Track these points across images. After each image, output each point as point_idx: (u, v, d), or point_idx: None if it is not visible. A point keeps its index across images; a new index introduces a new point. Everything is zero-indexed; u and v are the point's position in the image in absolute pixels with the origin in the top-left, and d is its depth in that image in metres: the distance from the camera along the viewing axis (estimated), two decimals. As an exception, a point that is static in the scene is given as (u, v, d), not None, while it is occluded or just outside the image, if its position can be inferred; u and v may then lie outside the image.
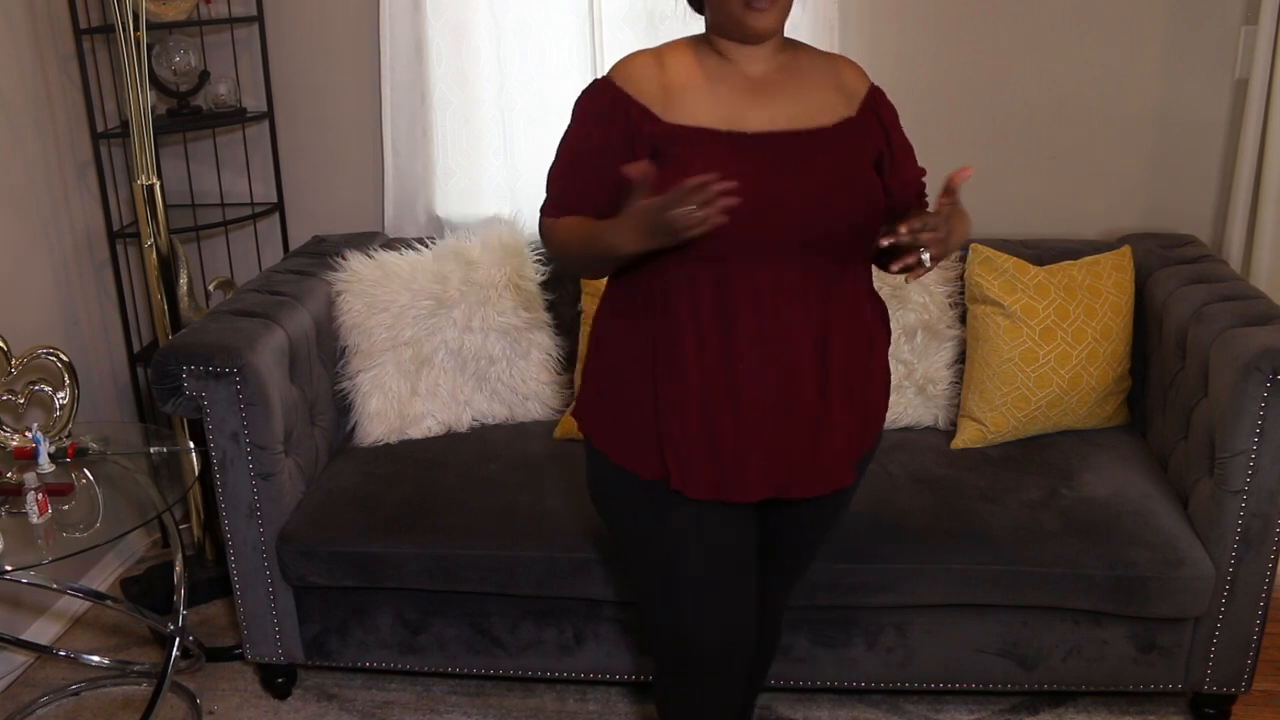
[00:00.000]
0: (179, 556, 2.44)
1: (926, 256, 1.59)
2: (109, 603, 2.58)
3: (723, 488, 1.69)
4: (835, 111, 1.72)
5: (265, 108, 2.99)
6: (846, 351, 1.70)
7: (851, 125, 1.72)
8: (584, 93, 1.73)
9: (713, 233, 1.51)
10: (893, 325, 2.52)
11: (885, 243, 1.61)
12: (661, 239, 1.52)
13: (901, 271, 1.64)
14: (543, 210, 1.76)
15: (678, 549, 1.76)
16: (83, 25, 2.76)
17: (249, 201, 3.10)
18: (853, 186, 1.68)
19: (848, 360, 1.70)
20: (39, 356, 2.45)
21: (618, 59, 1.73)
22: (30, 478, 2.27)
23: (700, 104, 1.66)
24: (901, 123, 1.83)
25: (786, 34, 1.75)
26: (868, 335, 1.75)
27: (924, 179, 1.84)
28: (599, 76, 1.72)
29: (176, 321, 2.77)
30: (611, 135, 1.66)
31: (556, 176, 1.74)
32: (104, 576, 2.98)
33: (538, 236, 1.89)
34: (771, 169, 1.63)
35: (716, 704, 1.90)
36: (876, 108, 1.77)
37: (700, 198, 1.46)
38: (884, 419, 1.86)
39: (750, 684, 2.13)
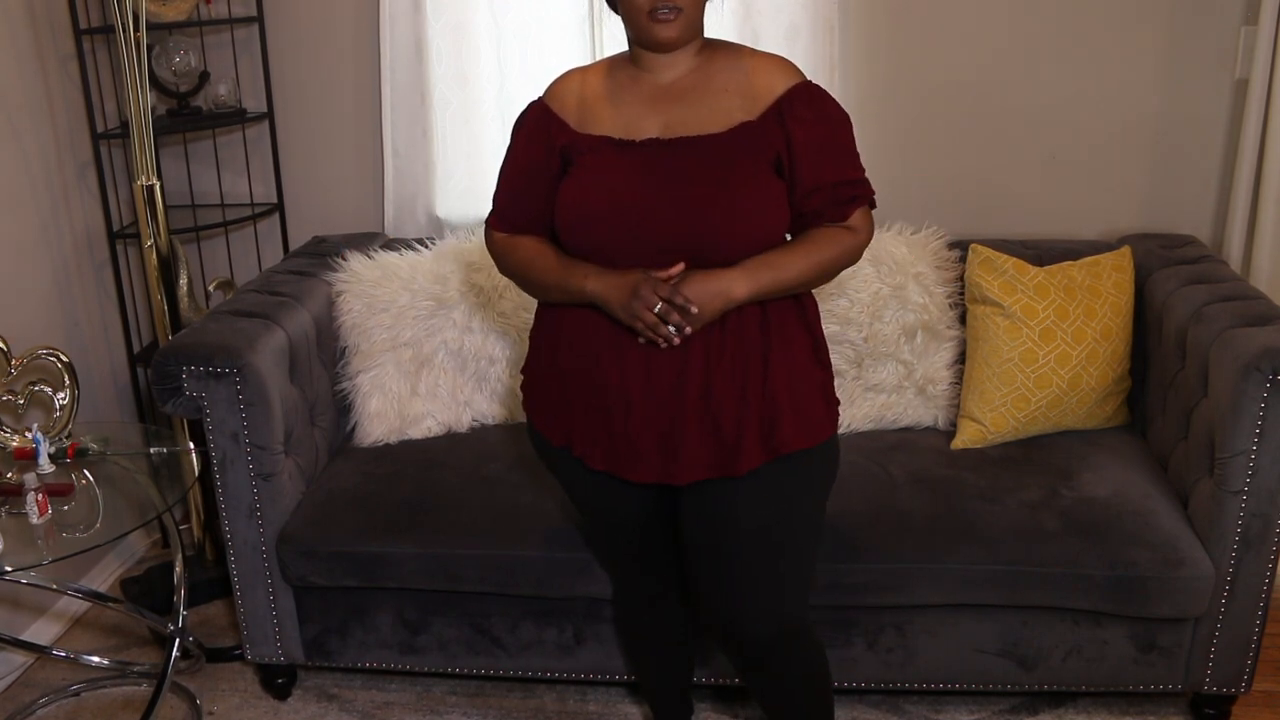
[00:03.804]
0: (179, 557, 2.44)
1: (671, 330, 1.68)
2: (109, 603, 2.58)
3: (610, 464, 1.83)
4: (732, 117, 1.74)
5: (265, 108, 2.99)
6: (728, 350, 1.73)
7: (746, 130, 1.73)
8: (521, 112, 1.87)
9: (597, 235, 1.73)
10: (893, 326, 2.56)
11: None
12: (619, 312, 1.71)
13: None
14: (488, 221, 1.93)
15: (585, 510, 2.03)
16: (83, 25, 2.76)
17: (249, 202, 3.10)
18: (735, 192, 1.70)
19: (730, 359, 1.73)
20: (39, 357, 2.45)
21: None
22: (30, 478, 2.27)
23: (607, 114, 1.79)
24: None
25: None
26: (755, 338, 1.74)
27: (848, 186, 1.76)
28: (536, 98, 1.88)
29: (176, 322, 2.77)
30: (538, 150, 1.82)
31: (498, 191, 1.90)
32: (104, 577, 2.98)
33: None
34: (653, 175, 1.71)
35: (641, 647, 2.21)
36: (785, 110, 1.73)
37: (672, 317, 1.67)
38: (808, 419, 1.80)
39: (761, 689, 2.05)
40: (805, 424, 1.79)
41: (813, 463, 1.82)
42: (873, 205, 1.82)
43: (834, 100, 1.79)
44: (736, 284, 1.69)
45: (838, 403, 1.89)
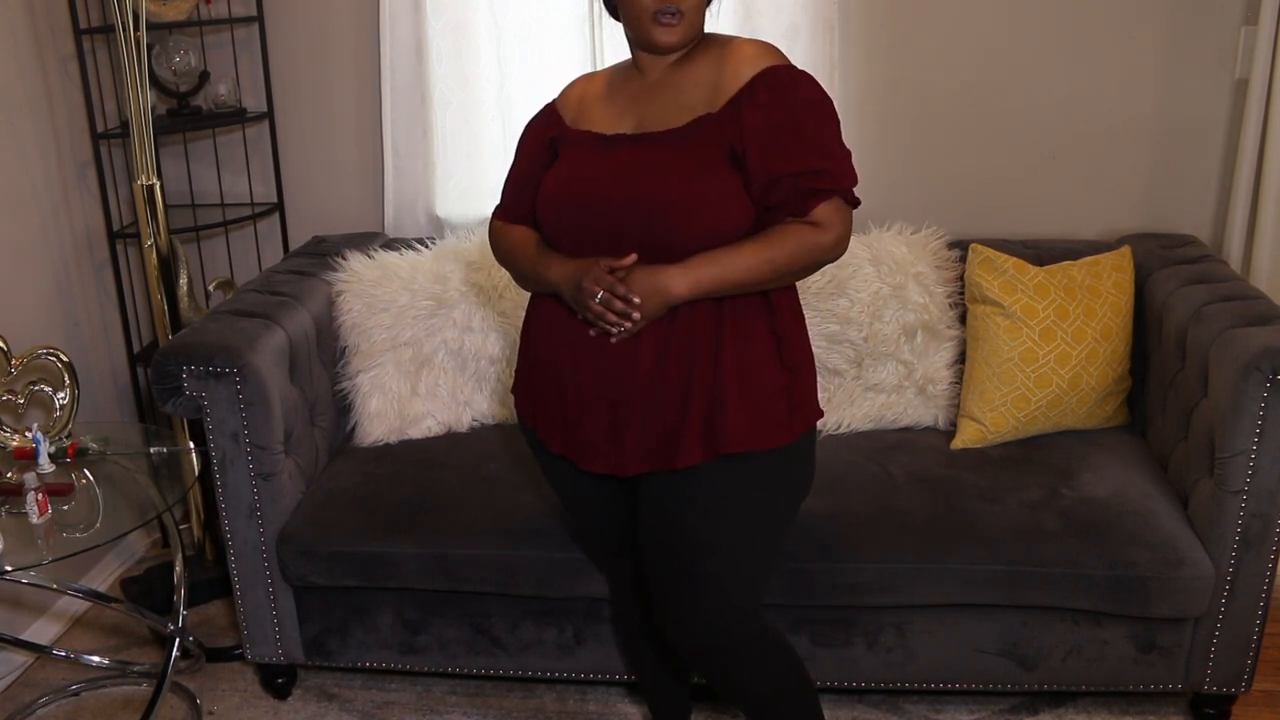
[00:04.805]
0: (179, 556, 2.44)
1: (619, 329, 1.70)
2: (109, 603, 2.58)
3: (566, 449, 1.86)
4: (694, 111, 1.73)
5: (265, 108, 2.99)
6: (682, 345, 1.73)
7: (704, 123, 1.71)
8: (533, 115, 1.94)
9: (566, 225, 1.77)
10: (893, 326, 2.56)
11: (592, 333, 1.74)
12: (569, 300, 1.75)
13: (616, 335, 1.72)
14: (494, 213, 1.97)
15: (560, 495, 2.05)
16: (83, 25, 2.76)
17: (249, 201, 3.10)
18: (684, 186, 1.69)
19: (683, 354, 1.73)
20: (39, 356, 2.45)
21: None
22: (30, 478, 2.27)
23: (599, 112, 1.84)
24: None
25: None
26: (708, 333, 1.72)
27: (809, 176, 1.66)
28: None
29: (176, 321, 2.77)
30: (536, 145, 1.89)
31: (507, 186, 1.95)
32: (104, 576, 2.98)
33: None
34: (617, 169, 1.74)
35: (635, 647, 2.22)
36: (744, 98, 1.69)
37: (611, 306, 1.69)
38: (762, 421, 1.75)
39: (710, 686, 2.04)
40: (757, 424, 1.74)
41: (767, 466, 1.77)
42: (851, 200, 1.72)
43: (809, 83, 1.71)
44: (675, 281, 1.67)
45: (818, 413, 1.84)
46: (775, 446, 1.76)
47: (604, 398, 1.78)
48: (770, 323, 1.77)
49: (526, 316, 1.92)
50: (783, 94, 1.68)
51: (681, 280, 1.67)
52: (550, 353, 1.83)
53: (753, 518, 1.80)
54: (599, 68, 2.80)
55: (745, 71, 1.71)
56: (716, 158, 1.69)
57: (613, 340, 1.72)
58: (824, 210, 1.68)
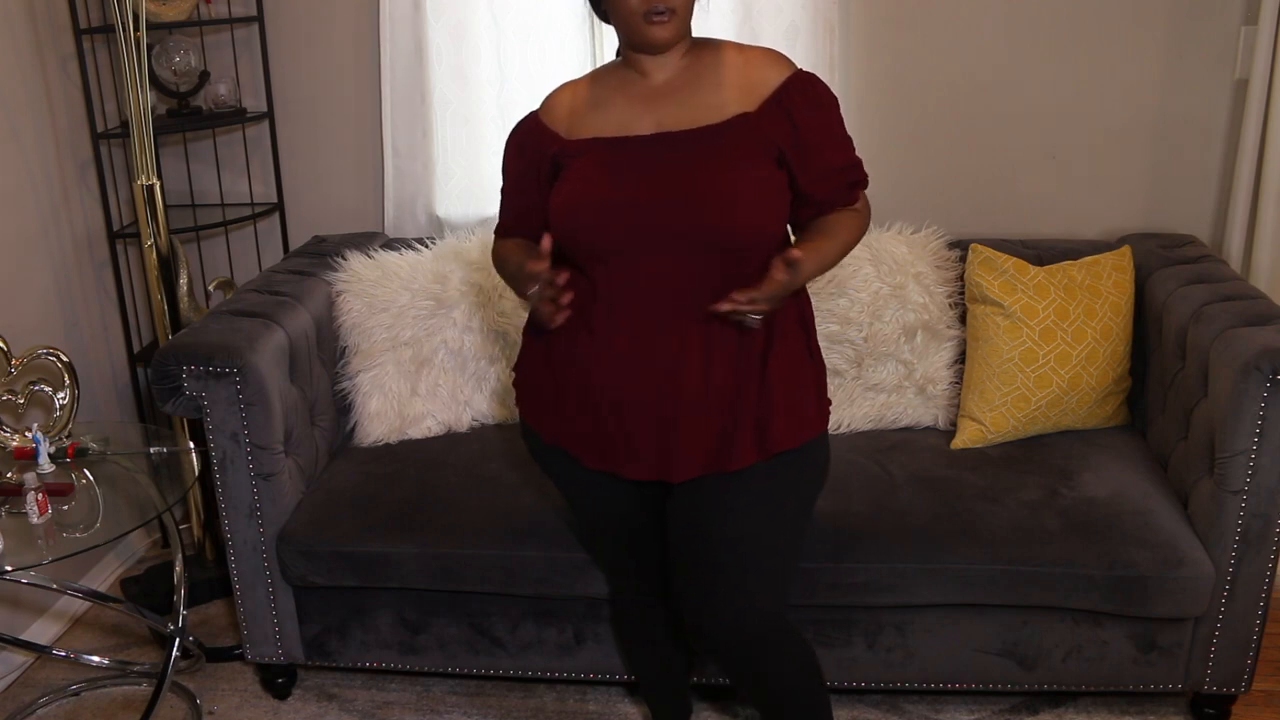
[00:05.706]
0: (179, 556, 2.44)
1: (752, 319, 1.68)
2: (109, 603, 2.58)
3: (606, 463, 1.85)
4: (727, 109, 1.76)
5: (265, 108, 2.99)
6: (727, 347, 1.74)
7: (745, 121, 1.75)
8: (513, 128, 1.93)
9: (592, 234, 1.72)
10: (893, 326, 2.56)
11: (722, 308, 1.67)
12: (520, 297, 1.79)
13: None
14: (495, 232, 2.00)
15: (576, 506, 2.05)
16: (83, 25, 2.76)
17: (249, 201, 3.10)
18: (734, 181, 1.72)
19: (729, 356, 1.75)
20: (39, 356, 2.45)
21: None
22: (30, 478, 2.27)
23: (599, 118, 1.82)
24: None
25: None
26: (758, 338, 1.76)
27: (853, 169, 1.83)
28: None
29: (176, 321, 2.77)
30: (527, 162, 1.87)
31: (501, 204, 1.96)
32: (104, 576, 2.98)
33: None
34: (650, 170, 1.73)
35: (635, 648, 2.23)
36: (786, 100, 1.76)
37: (547, 292, 1.69)
38: (800, 417, 1.82)
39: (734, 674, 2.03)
40: (797, 423, 1.80)
41: (803, 462, 1.83)
42: (865, 185, 1.87)
43: (823, 84, 1.82)
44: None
45: (829, 401, 1.91)
46: (809, 440, 1.83)
47: (647, 405, 1.77)
48: (801, 320, 1.84)
49: (537, 329, 1.89)
50: (815, 99, 1.78)
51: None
52: (575, 362, 1.82)
53: (790, 515, 1.85)
54: (598, 68, 2.81)
55: (771, 75, 1.78)
56: (761, 154, 1.74)
57: (748, 326, 1.72)
58: (862, 199, 1.87)
